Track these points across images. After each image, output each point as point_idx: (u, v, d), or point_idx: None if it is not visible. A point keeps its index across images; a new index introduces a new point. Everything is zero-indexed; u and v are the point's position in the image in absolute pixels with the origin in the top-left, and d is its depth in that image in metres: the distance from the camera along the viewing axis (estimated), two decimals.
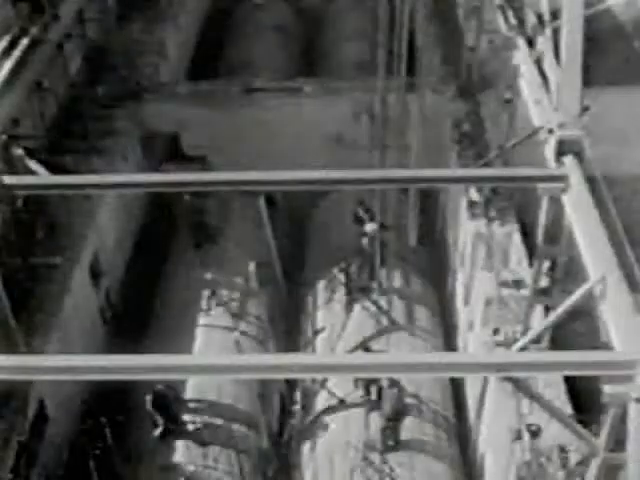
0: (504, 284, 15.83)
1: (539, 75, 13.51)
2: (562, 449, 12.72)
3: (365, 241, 17.99)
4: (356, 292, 18.33)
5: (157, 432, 15.50)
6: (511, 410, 13.35)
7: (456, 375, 15.23)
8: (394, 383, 15.18)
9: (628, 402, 8.96)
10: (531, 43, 14.34)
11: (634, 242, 10.33)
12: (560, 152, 11.89)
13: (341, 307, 18.30)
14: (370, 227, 17.70)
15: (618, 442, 9.39)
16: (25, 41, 18.27)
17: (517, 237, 16.72)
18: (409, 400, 15.87)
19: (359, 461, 15.00)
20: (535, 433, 12.83)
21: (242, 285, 18.31)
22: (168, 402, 15.47)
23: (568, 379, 13.37)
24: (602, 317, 10.05)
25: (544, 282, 13.28)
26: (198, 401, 16.25)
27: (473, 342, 16.37)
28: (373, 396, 15.74)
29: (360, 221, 18.36)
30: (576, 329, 13.63)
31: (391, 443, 15.23)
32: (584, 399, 13.05)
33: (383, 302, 18.00)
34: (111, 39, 22.52)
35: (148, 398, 15.27)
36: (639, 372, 9.04)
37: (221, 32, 27.08)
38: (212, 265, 19.05)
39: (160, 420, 15.47)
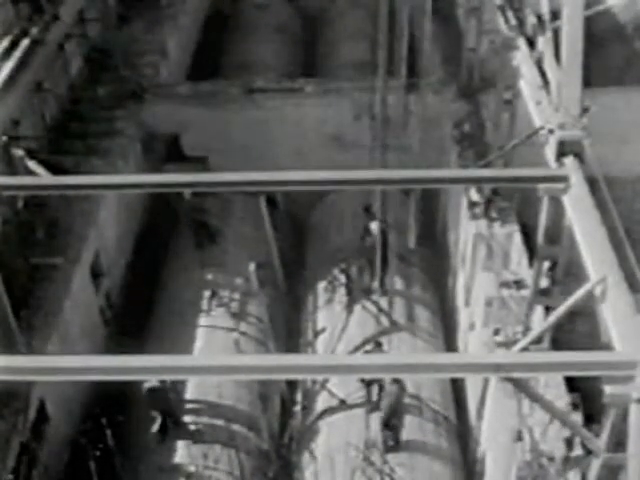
0: (505, 284, 15.82)
1: (539, 76, 13.48)
2: (563, 449, 12.72)
3: (366, 242, 17.99)
4: (357, 293, 18.33)
5: (155, 428, 15.49)
6: (512, 410, 13.35)
7: (457, 376, 15.21)
8: (395, 382, 15.18)
9: (629, 403, 8.96)
10: (531, 44, 14.30)
11: (635, 242, 10.33)
12: (560, 152, 11.87)
13: (342, 308, 18.28)
14: (371, 227, 17.70)
15: (619, 443, 9.39)
16: (25, 42, 18.25)
17: (517, 237, 16.71)
18: (409, 400, 15.87)
19: (360, 461, 15.01)
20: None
21: (242, 285, 18.31)
22: (166, 398, 15.46)
23: (569, 379, 13.37)
24: (603, 317, 10.04)
25: (545, 282, 13.26)
26: (198, 402, 16.26)
27: (474, 342, 16.38)
28: (373, 396, 15.76)
29: (361, 221, 18.35)
30: (577, 329, 13.63)
31: (392, 443, 15.24)
32: (585, 399, 13.04)
33: (384, 303, 18.01)
34: (112, 39, 22.49)
35: (145, 393, 15.27)
36: None
37: (222, 32, 27.10)
38: (212, 266, 19.05)
39: (159, 416, 15.50)
